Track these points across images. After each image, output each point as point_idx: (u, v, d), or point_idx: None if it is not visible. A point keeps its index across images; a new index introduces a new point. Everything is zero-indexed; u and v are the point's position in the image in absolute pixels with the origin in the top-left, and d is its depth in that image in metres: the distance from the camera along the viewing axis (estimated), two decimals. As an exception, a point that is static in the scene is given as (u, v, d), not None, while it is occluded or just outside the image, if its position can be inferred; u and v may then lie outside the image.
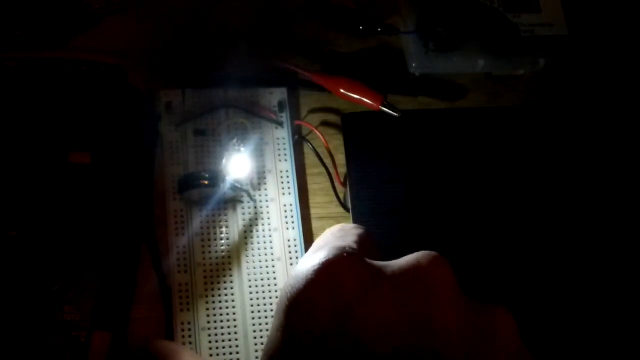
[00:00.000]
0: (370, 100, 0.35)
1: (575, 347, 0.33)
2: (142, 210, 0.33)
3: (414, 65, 0.38)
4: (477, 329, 0.22)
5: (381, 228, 0.34)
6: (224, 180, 0.32)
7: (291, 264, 0.32)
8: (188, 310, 0.30)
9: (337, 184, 0.35)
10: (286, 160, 0.34)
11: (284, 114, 0.35)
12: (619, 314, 0.34)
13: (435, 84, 0.39)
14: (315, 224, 0.35)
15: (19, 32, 0.35)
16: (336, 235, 0.26)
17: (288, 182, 0.34)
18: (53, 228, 0.30)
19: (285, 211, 0.33)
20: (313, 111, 0.37)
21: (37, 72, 0.33)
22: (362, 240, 0.25)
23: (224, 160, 0.32)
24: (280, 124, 0.35)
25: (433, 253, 0.23)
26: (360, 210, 0.35)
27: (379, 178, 0.36)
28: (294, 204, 0.34)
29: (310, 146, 0.35)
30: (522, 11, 0.40)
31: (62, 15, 0.36)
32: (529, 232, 0.35)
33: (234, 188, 0.32)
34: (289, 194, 0.34)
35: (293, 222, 0.33)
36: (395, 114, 0.35)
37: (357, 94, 0.35)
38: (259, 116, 0.35)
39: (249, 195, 0.33)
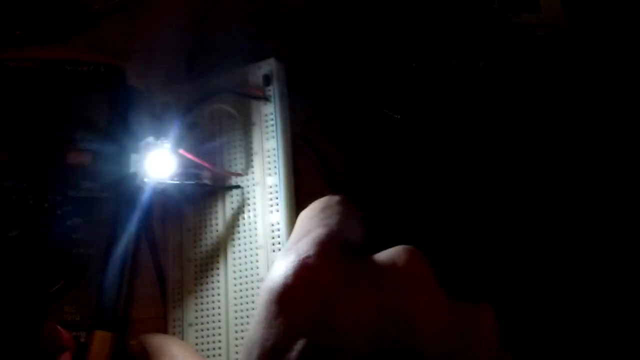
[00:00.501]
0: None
1: (570, 348, 0.33)
2: (142, 210, 0.33)
3: (413, 65, 0.38)
4: (458, 325, 0.22)
5: (381, 228, 0.34)
6: (141, 183, 0.30)
7: (273, 251, 0.30)
8: (179, 307, 0.30)
9: (336, 185, 0.35)
10: (273, 138, 0.32)
11: (270, 87, 0.32)
12: (613, 313, 0.34)
13: (435, 84, 0.39)
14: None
15: (19, 32, 0.35)
16: (319, 217, 0.25)
17: (275, 161, 0.31)
18: (53, 228, 0.30)
19: (270, 193, 0.31)
20: (313, 111, 0.37)
21: (37, 72, 0.33)
22: (344, 220, 0.25)
23: (132, 162, 0.31)
24: (267, 99, 0.32)
25: (410, 248, 0.23)
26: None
27: (378, 178, 0.36)
28: (278, 184, 0.31)
29: (309, 147, 0.35)
30: (522, 11, 0.40)
31: (62, 15, 0.36)
32: (528, 231, 0.35)
33: (161, 188, 0.31)
34: (275, 173, 0.31)
35: (277, 204, 0.30)
36: (395, 115, 0.35)
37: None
38: (245, 96, 0.33)
39: (220, 185, 0.31)
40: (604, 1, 0.42)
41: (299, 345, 0.21)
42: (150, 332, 0.30)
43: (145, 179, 0.31)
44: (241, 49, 0.37)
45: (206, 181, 0.32)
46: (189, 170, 0.31)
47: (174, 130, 0.32)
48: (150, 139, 0.31)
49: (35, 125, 0.32)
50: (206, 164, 0.31)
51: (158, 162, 0.31)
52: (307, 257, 0.22)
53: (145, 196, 0.31)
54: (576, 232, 0.36)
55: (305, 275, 0.22)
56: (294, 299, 0.22)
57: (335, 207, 0.26)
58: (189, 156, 0.31)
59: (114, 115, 0.33)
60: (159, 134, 0.31)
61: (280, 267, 0.23)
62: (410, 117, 0.37)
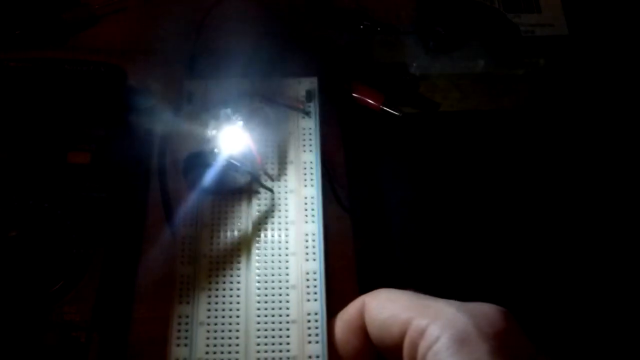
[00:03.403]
0: (372, 100, 0.35)
1: (575, 349, 0.33)
2: (141, 209, 0.33)
3: (414, 65, 0.38)
4: None
5: (381, 228, 0.34)
6: (214, 155, 0.30)
7: (306, 260, 0.30)
8: (187, 303, 0.29)
9: (336, 184, 0.35)
10: (311, 151, 0.33)
11: (311, 104, 0.34)
12: (621, 316, 0.34)
13: (434, 84, 0.39)
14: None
15: (19, 32, 0.35)
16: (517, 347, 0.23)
17: (311, 174, 0.32)
18: (53, 228, 0.30)
19: (306, 203, 0.32)
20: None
21: (37, 72, 0.33)
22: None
23: (212, 131, 0.30)
24: (307, 114, 0.34)
25: None
26: (360, 210, 0.35)
27: (378, 178, 0.36)
28: (315, 196, 0.32)
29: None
30: (522, 11, 0.40)
31: (62, 15, 0.36)
32: (530, 232, 0.35)
33: (231, 165, 0.30)
34: (312, 185, 0.32)
35: (313, 216, 0.31)
36: (396, 113, 0.35)
37: (357, 94, 0.35)
38: (285, 105, 0.33)
39: (252, 177, 0.31)
40: (604, 1, 0.42)
41: None
42: (150, 332, 0.30)
43: (216, 150, 0.30)
44: (242, 49, 0.37)
45: (261, 174, 0.31)
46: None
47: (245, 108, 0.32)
48: (228, 110, 0.30)
49: (35, 125, 0.32)
50: (258, 159, 0.31)
51: (230, 137, 0.30)
52: None
53: (214, 167, 0.30)
54: (579, 234, 0.36)
55: None
56: None
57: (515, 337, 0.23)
58: (251, 143, 0.31)
59: (114, 115, 0.33)
60: (235, 109, 0.31)
61: None
62: (411, 118, 0.37)
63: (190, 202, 0.31)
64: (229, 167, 0.30)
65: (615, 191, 0.37)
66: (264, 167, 0.32)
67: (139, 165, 0.33)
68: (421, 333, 0.23)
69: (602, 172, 0.37)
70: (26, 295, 0.28)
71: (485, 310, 0.23)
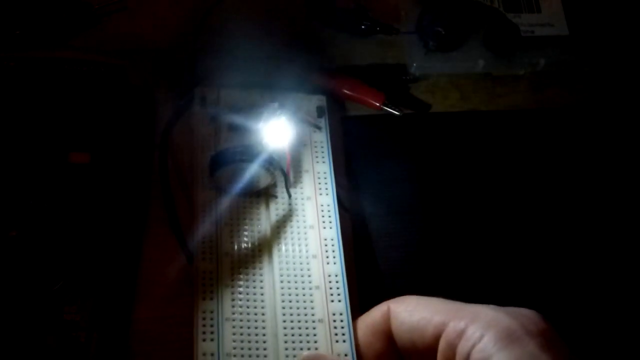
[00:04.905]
0: (372, 99, 0.35)
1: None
2: (142, 209, 0.33)
3: (414, 65, 0.38)
4: None
5: (381, 228, 0.34)
6: (260, 146, 0.31)
7: (327, 263, 0.31)
8: (211, 299, 0.29)
9: (336, 184, 0.35)
10: (324, 162, 0.34)
11: (322, 119, 0.35)
12: (626, 320, 0.34)
13: (434, 84, 0.39)
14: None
15: (19, 32, 0.36)
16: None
17: (326, 183, 0.34)
18: (53, 228, 0.30)
19: (322, 210, 0.33)
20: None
21: (37, 72, 0.33)
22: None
23: (261, 123, 0.31)
24: (319, 128, 0.35)
25: None
26: (360, 210, 0.35)
27: (378, 179, 0.36)
28: (331, 204, 0.33)
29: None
30: (522, 11, 0.40)
31: (62, 15, 0.36)
32: (532, 234, 0.35)
33: (271, 161, 0.31)
34: (327, 194, 0.33)
35: (330, 222, 0.32)
36: (396, 112, 0.35)
37: (358, 94, 0.35)
38: (298, 118, 0.34)
39: (283, 174, 0.32)
40: (604, 1, 0.42)
41: None
42: (153, 332, 0.30)
43: (264, 142, 0.31)
44: (241, 52, 0.37)
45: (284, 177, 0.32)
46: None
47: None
48: (276, 104, 0.32)
49: (35, 125, 0.32)
50: (288, 157, 0.32)
51: (274, 130, 0.32)
52: None
53: (252, 162, 0.31)
54: (576, 233, 0.36)
55: None
56: None
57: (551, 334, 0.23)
58: (286, 140, 0.32)
59: (115, 115, 0.33)
60: (282, 104, 0.32)
61: None
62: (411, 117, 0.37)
63: (210, 201, 0.32)
64: (265, 162, 0.31)
65: (616, 191, 0.37)
66: (290, 167, 0.33)
67: (139, 165, 0.33)
68: (460, 334, 0.23)
69: (603, 172, 0.37)
70: (26, 295, 0.28)
71: (524, 312, 0.24)
